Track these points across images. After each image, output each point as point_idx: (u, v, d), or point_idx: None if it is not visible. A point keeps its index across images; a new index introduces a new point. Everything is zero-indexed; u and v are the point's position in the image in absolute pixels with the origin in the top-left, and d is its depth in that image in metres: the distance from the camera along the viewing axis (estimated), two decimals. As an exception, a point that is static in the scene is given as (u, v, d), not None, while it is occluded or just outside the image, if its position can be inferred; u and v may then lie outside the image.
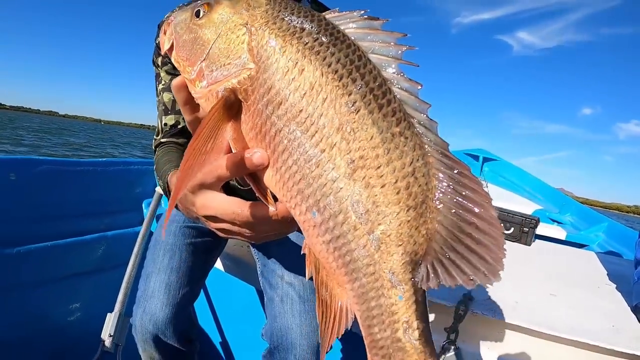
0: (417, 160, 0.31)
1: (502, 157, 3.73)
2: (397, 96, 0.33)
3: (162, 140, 0.87)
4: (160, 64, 0.89)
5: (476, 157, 3.77)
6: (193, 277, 0.91)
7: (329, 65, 0.33)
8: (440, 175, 0.31)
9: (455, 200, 0.30)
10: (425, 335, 0.32)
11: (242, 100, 0.36)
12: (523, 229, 1.54)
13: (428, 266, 0.31)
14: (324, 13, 0.38)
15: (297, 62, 0.34)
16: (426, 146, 0.32)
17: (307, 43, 0.34)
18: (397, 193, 0.31)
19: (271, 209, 0.39)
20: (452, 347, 0.77)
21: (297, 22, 0.36)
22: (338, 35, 0.35)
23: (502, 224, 0.32)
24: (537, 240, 1.73)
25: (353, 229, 0.32)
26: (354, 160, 0.32)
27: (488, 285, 0.43)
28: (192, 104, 0.43)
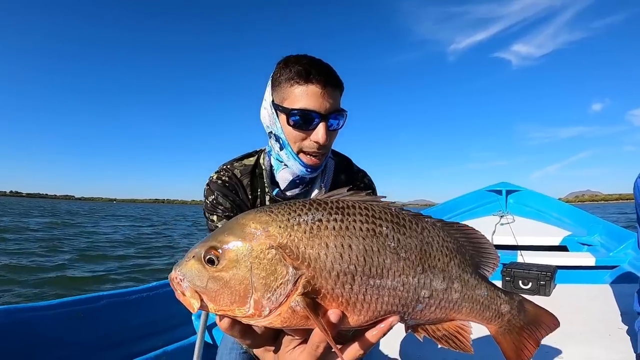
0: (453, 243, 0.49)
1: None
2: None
3: None
4: (214, 219, 1.04)
5: (499, 192, 3.86)
6: None
7: (368, 225, 0.41)
8: (463, 241, 0.50)
9: (473, 244, 0.51)
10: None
11: (315, 296, 0.40)
12: (540, 282, 1.62)
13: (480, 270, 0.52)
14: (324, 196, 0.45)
15: (342, 244, 0.40)
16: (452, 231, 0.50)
17: (334, 228, 0.40)
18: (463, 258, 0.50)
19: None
20: None
21: (310, 218, 0.40)
22: (343, 208, 0.42)
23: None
24: (558, 285, 1.80)
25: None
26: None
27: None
28: (248, 331, 0.45)
